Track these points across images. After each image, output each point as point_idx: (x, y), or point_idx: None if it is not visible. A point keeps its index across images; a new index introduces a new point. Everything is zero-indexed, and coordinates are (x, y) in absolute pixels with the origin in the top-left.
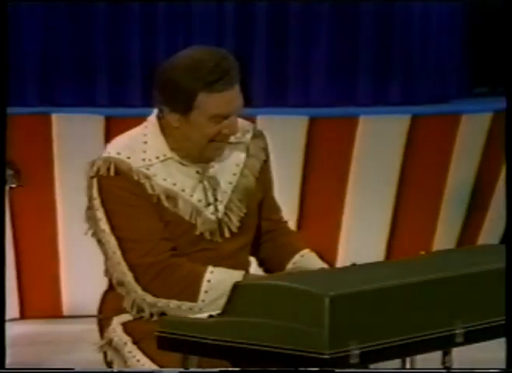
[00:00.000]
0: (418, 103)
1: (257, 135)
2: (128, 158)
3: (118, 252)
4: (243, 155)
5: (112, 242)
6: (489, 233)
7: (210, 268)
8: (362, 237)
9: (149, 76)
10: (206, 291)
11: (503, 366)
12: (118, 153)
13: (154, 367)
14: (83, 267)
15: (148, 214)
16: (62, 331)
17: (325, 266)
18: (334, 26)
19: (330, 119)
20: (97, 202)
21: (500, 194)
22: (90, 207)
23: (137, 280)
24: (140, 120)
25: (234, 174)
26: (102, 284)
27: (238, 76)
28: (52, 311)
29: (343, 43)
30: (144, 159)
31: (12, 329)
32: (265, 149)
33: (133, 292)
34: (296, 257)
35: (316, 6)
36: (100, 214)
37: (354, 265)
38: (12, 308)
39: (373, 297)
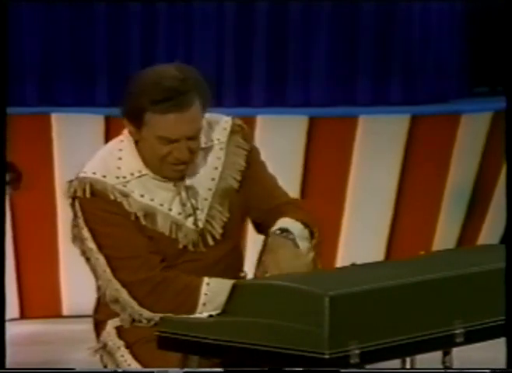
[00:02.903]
0: (418, 103)
1: (236, 130)
2: (104, 176)
3: (108, 270)
4: (221, 156)
5: (101, 260)
6: (489, 233)
7: (206, 280)
8: (362, 237)
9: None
10: (204, 304)
11: (503, 366)
12: (94, 173)
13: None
14: (83, 268)
15: (131, 230)
16: (62, 331)
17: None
18: (334, 26)
19: (330, 119)
20: (81, 221)
21: (500, 194)
22: (76, 225)
23: (132, 296)
24: None
25: (213, 179)
26: None
27: (195, 100)
28: (52, 311)
29: (343, 43)
30: (118, 177)
31: (12, 329)
32: (246, 141)
33: (129, 308)
34: (272, 229)
35: (316, 6)
36: (86, 232)
37: (354, 265)
38: (12, 308)
39: (373, 297)
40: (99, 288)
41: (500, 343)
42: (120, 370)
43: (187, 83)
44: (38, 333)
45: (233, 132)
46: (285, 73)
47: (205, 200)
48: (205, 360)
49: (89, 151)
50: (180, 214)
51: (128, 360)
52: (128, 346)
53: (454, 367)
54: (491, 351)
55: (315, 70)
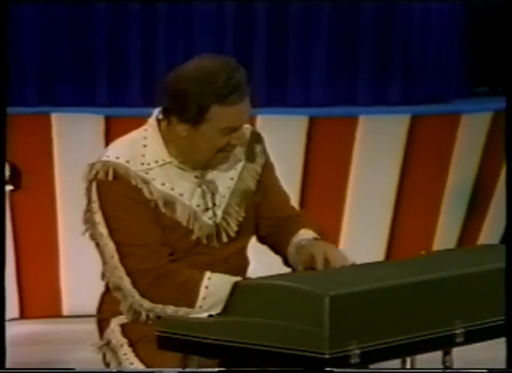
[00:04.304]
0: (418, 103)
1: (255, 138)
2: (127, 162)
3: (116, 257)
4: (241, 159)
5: (110, 245)
6: (489, 233)
7: (208, 274)
8: (362, 237)
9: (152, 81)
10: (204, 298)
11: (503, 366)
12: (117, 157)
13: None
14: (83, 267)
15: (146, 219)
16: (62, 331)
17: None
18: (334, 25)
19: (330, 119)
20: (96, 205)
21: (500, 194)
22: (89, 210)
23: (134, 285)
24: (140, 120)
25: (232, 178)
26: (102, 284)
27: (248, 88)
28: (52, 311)
29: (343, 43)
30: (143, 163)
31: (12, 329)
32: (264, 151)
33: (130, 297)
34: (293, 239)
35: (316, 6)
36: (99, 217)
37: (354, 265)
38: (12, 308)
39: (373, 297)
40: (103, 274)
41: (500, 343)
42: (116, 370)
43: (241, 72)
44: (38, 333)
45: (252, 139)
46: (285, 73)
47: (223, 197)
48: (206, 360)
49: (89, 151)
50: (198, 206)
51: (130, 358)
52: (131, 344)
53: (454, 367)
54: (491, 351)
55: (315, 70)
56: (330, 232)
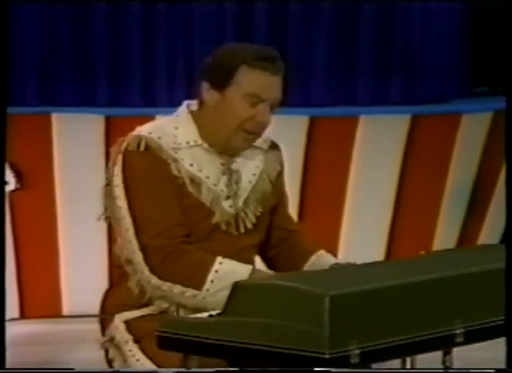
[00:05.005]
0: (418, 103)
1: (275, 147)
2: (159, 138)
3: (131, 230)
4: (262, 160)
5: (127, 219)
6: (489, 233)
7: (219, 259)
8: (362, 237)
9: (152, 81)
10: (212, 281)
11: (503, 366)
12: (150, 132)
13: (153, 367)
14: (83, 267)
15: (167, 196)
16: (62, 331)
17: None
18: (334, 26)
19: (330, 119)
20: (118, 178)
21: (500, 194)
22: (109, 184)
23: (146, 261)
24: (140, 119)
25: (254, 174)
26: (102, 284)
27: (283, 73)
28: (52, 311)
29: (343, 43)
30: (174, 142)
31: (12, 329)
32: (281, 162)
33: (140, 272)
34: (313, 258)
35: (316, 6)
36: (119, 190)
37: (354, 265)
38: (12, 308)
39: (373, 297)
40: (118, 247)
41: (500, 343)
42: (116, 370)
43: (279, 56)
44: (38, 333)
45: (272, 147)
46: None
47: (245, 190)
48: (209, 360)
49: (89, 151)
50: (222, 191)
51: (136, 354)
52: (136, 341)
53: (454, 367)
54: (491, 351)
55: (315, 70)
56: (330, 232)
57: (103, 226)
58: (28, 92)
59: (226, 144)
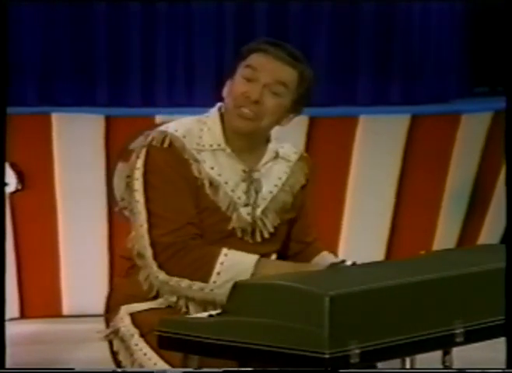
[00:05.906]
0: (418, 103)
1: (303, 159)
2: (184, 137)
3: (145, 226)
4: (286, 172)
5: (143, 214)
6: (489, 233)
7: (224, 250)
8: (362, 237)
9: (152, 81)
10: (218, 273)
11: (503, 366)
12: (176, 130)
13: (160, 361)
14: (83, 267)
15: (184, 195)
16: (62, 331)
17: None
18: (334, 26)
19: (330, 119)
20: (139, 172)
21: (500, 194)
22: (130, 176)
23: (154, 257)
24: (140, 119)
25: (276, 185)
26: (102, 284)
27: (296, 70)
28: (52, 311)
29: (343, 43)
30: (198, 143)
31: (12, 329)
32: (307, 174)
33: (149, 267)
34: (315, 259)
35: (316, 6)
36: (138, 184)
37: (354, 265)
38: (12, 307)
39: (373, 297)
40: (131, 240)
41: (500, 343)
42: (116, 370)
43: (300, 57)
44: (38, 333)
45: (301, 159)
46: None
47: (264, 199)
48: (208, 360)
49: (89, 151)
50: (239, 198)
51: (143, 348)
52: (142, 335)
53: (454, 367)
54: (491, 351)
55: (315, 70)
56: (330, 232)
57: (103, 226)
58: (28, 92)
59: (232, 129)
